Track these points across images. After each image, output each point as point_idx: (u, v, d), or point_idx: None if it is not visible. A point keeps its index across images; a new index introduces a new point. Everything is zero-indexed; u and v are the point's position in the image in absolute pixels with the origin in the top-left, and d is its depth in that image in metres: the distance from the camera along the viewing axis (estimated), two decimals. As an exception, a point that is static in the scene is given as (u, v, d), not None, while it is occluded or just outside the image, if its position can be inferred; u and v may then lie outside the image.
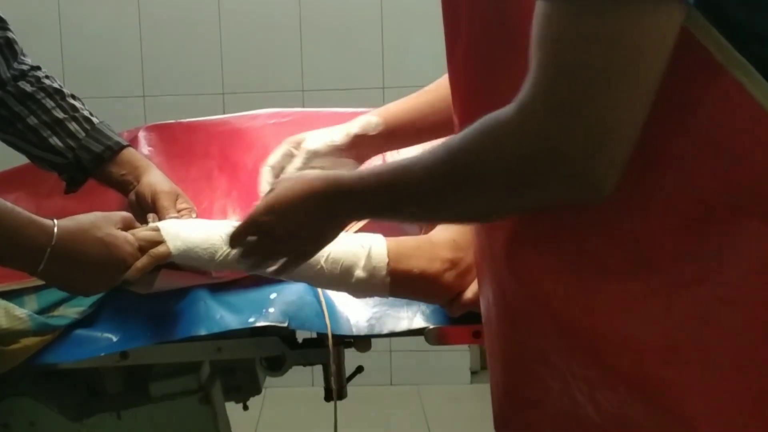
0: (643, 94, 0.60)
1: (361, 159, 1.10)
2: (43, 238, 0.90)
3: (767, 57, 0.61)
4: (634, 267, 0.66)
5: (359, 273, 0.96)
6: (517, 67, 0.64)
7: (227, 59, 2.72)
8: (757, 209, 0.62)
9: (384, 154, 1.14)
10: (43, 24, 2.64)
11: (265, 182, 1.07)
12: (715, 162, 0.63)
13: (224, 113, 1.55)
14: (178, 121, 1.44)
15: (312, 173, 0.85)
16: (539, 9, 0.61)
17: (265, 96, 2.54)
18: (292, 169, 1.05)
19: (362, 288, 0.98)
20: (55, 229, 0.91)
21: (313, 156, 1.05)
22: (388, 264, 0.97)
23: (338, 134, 1.07)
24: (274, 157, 1.09)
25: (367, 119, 1.07)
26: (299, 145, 1.08)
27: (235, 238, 0.88)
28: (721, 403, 0.64)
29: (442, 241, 0.99)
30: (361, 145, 1.07)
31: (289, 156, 1.08)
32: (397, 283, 0.98)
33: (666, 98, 0.63)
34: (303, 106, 2.49)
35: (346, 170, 1.04)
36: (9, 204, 0.89)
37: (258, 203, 0.86)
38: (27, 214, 0.91)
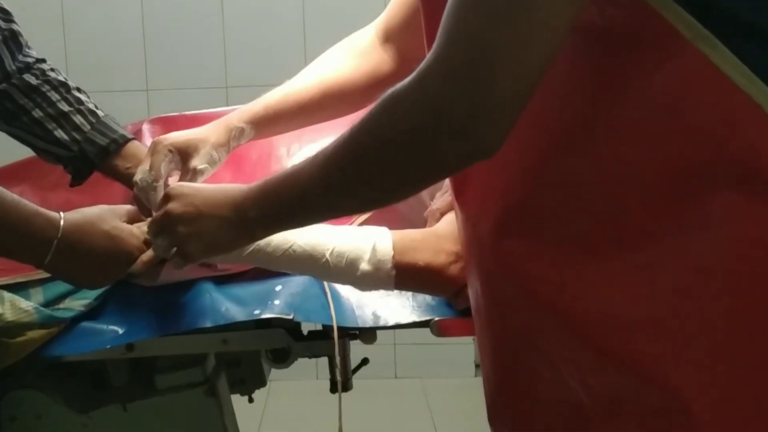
0: (535, 64, 0.61)
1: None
2: (49, 230, 0.90)
3: (731, 33, 0.62)
4: (615, 246, 0.67)
5: (364, 266, 0.96)
6: None
7: (230, 53, 2.71)
8: (728, 180, 0.63)
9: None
10: (46, 18, 2.64)
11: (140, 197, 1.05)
12: (685, 136, 0.64)
13: (228, 106, 1.55)
14: (182, 113, 1.44)
15: (218, 191, 0.84)
16: None
17: (269, 89, 2.54)
18: (150, 165, 1.04)
19: (367, 281, 0.98)
20: (62, 222, 0.91)
21: (203, 176, 1.06)
22: (393, 257, 0.97)
23: (223, 152, 1.07)
24: (164, 169, 1.05)
25: (240, 129, 1.08)
26: (183, 157, 1.05)
27: (150, 227, 0.90)
28: (706, 372, 0.65)
29: (448, 234, 0.99)
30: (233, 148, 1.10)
31: (173, 162, 1.06)
32: (403, 276, 0.97)
33: (631, 75, 0.64)
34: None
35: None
36: (15, 196, 0.89)
37: (174, 204, 0.86)
38: (33, 206, 0.91)
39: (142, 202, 1.04)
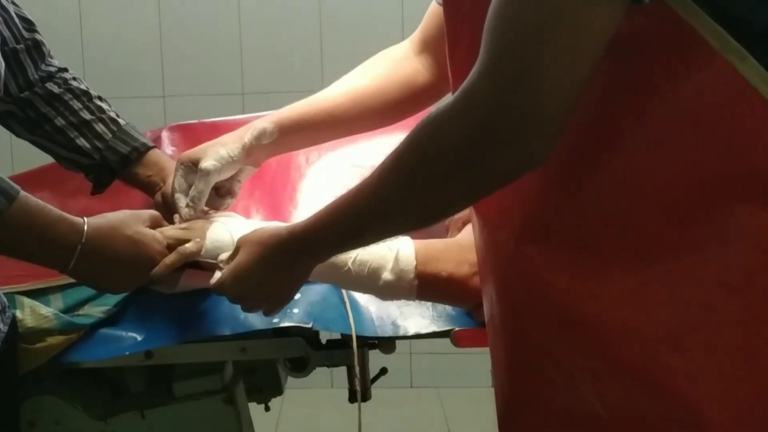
0: (576, 78, 0.62)
1: (258, 164, 1.11)
2: (73, 235, 0.91)
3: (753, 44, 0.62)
4: (634, 257, 0.67)
5: (387, 276, 0.96)
6: None
7: (247, 60, 2.72)
8: (753, 194, 0.63)
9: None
10: (63, 26, 2.66)
11: (182, 209, 1.06)
12: (710, 148, 0.63)
13: (244, 114, 1.55)
14: (201, 120, 1.45)
15: (265, 232, 0.87)
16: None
17: (285, 96, 2.53)
18: (195, 194, 1.05)
19: (390, 291, 0.97)
20: (86, 227, 0.92)
21: (211, 175, 1.05)
22: (416, 267, 0.96)
23: (234, 149, 1.07)
24: (178, 183, 1.07)
25: (262, 128, 1.07)
26: (195, 164, 1.06)
27: (216, 292, 0.93)
28: (728, 388, 0.65)
29: (471, 245, 0.97)
30: (255, 152, 1.08)
31: (190, 174, 1.07)
32: (425, 286, 0.97)
33: (659, 85, 0.64)
34: (323, 107, 2.49)
35: (245, 174, 1.09)
36: (40, 202, 0.89)
37: (224, 273, 0.90)
38: (58, 211, 0.91)
39: (163, 209, 1.04)
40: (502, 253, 0.76)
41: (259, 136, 1.07)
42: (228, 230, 1.03)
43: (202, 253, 1.01)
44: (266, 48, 2.70)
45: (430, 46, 1.07)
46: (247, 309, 0.92)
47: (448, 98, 0.67)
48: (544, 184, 0.72)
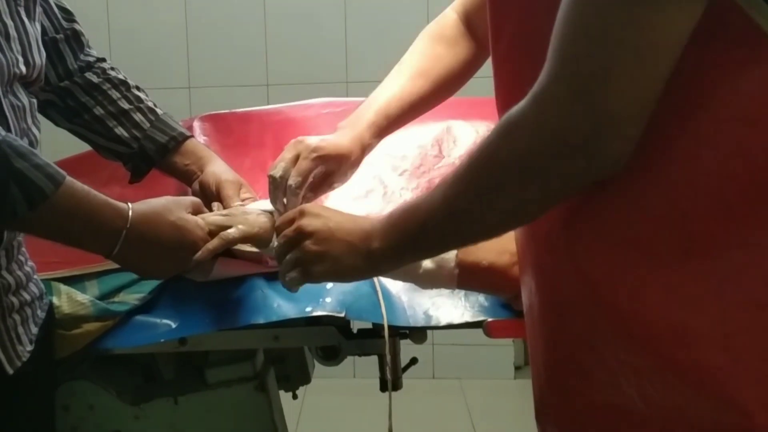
0: (653, 79, 0.62)
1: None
2: (118, 221, 0.92)
3: None
4: (682, 252, 0.66)
5: (427, 264, 0.96)
6: None
7: (272, 51, 2.73)
8: None
9: None
10: (91, 18, 2.66)
11: (274, 193, 1.05)
12: (764, 147, 0.62)
13: (268, 104, 1.56)
14: (232, 111, 1.46)
15: (350, 219, 0.86)
16: (562, 4, 0.64)
17: (310, 87, 2.54)
18: (297, 170, 1.03)
19: (430, 279, 0.98)
20: (130, 213, 0.92)
21: (316, 152, 1.03)
22: (457, 255, 0.96)
23: (353, 171, 1.09)
24: (310, 177, 1.05)
25: (371, 146, 1.08)
26: (321, 161, 1.05)
27: (280, 227, 0.91)
28: None
29: (511, 234, 0.98)
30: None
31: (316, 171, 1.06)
32: (465, 275, 0.97)
33: (717, 79, 0.63)
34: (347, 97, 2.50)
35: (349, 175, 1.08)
36: (86, 187, 0.90)
37: (308, 221, 0.87)
38: (103, 197, 0.92)
39: (201, 197, 1.05)
40: (543, 244, 0.76)
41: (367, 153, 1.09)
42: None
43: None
44: (291, 39, 2.71)
45: (470, 22, 1.09)
46: (304, 271, 0.87)
47: (518, 104, 0.67)
48: None
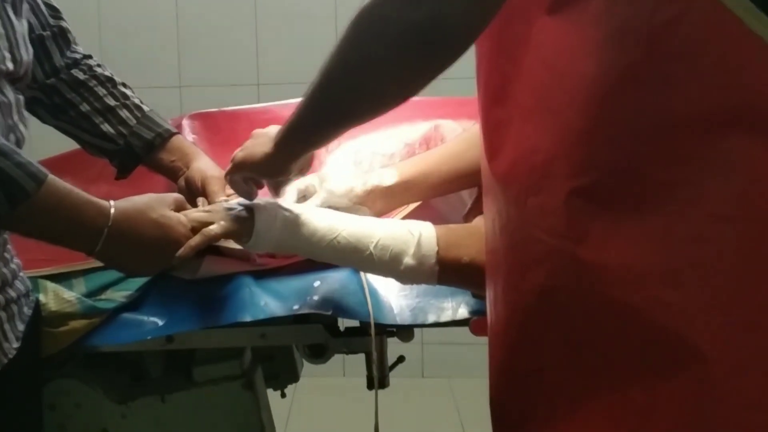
0: None
1: (376, 211, 1.14)
2: (100, 219, 0.92)
3: None
4: (631, 198, 0.68)
5: (408, 260, 0.96)
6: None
7: (263, 51, 2.73)
8: (742, 125, 0.63)
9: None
10: (81, 16, 2.67)
11: (290, 198, 1.12)
12: (699, 82, 0.64)
13: (260, 104, 1.56)
14: (222, 109, 1.46)
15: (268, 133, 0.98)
16: None
17: (301, 87, 2.55)
18: (311, 205, 1.11)
19: (411, 275, 0.98)
20: (112, 210, 0.92)
21: (332, 196, 1.12)
22: (438, 252, 0.97)
23: (358, 183, 1.14)
24: (300, 184, 1.15)
25: (384, 172, 1.14)
26: (321, 180, 1.14)
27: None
28: (724, 322, 0.65)
29: None
30: (375, 197, 1.14)
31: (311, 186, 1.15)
32: (446, 271, 0.97)
33: (655, 25, 0.65)
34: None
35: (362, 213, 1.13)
36: (68, 185, 0.90)
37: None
38: (85, 195, 0.92)
39: (186, 194, 1.05)
40: (512, 206, 0.78)
41: (381, 178, 1.16)
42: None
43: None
44: (282, 38, 2.71)
45: None
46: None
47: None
48: (549, 133, 0.73)
